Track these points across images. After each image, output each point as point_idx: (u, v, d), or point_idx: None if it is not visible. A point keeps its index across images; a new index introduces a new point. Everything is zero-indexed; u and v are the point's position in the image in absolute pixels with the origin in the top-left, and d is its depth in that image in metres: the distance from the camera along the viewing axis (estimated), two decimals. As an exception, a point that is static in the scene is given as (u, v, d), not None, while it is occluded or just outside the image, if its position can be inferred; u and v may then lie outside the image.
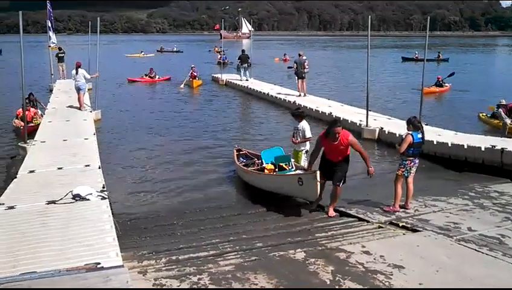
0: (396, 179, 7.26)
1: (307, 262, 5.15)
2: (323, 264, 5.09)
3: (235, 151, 10.15)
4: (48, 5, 24.06)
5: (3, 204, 6.43)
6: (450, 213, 6.99)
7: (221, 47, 35.71)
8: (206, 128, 15.07)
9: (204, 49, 67.25)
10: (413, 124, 7.20)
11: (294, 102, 18.32)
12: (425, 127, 8.61)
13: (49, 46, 24.95)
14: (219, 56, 35.65)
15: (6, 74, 29.65)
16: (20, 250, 4.91)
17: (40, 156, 9.43)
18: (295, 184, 7.22)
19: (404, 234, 6.23)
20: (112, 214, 6.12)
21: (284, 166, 8.61)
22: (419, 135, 7.13)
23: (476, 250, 5.45)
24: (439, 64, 40.19)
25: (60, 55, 25.86)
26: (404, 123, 7.69)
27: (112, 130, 14.83)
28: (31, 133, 11.90)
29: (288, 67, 29.37)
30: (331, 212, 7.31)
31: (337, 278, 4.76)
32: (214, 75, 28.43)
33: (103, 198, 6.59)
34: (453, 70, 25.69)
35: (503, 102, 14.58)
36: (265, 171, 8.64)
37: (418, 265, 5.03)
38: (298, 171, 8.06)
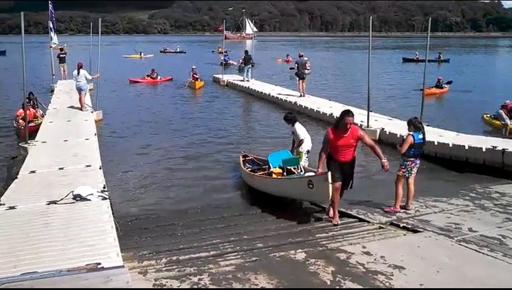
0: (397, 179, 7.25)
1: (307, 262, 5.15)
2: (323, 264, 5.08)
3: (241, 157, 9.82)
4: (50, 5, 24.10)
5: (4, 204, 6.44)
6: (451, 214, 6.98)
7: (224, 48, 35.74)
8: (207, 130, 15.06)
9: (207, 50, 67.38)
10: (414, 125, 7.20)
11: (295, 102, 18.35)
12: (427, 128, 8.62)
13: (51, 47, 24.99)
14: (221, 57, 35.70)
15: (10, 75, 29.71)
16: (21, 250, 4.92)
17: (41, 157, 9.45)
18: (305, 187, 6.78)
19: (404, 234, 6.22)
20: (113, 214, 6.13)
21: (293, 169, 8.32)
22: (420, 136, 7.12)
23: (476, 251, 5.44)
24: (440, 65, 40.17)
25: (61, 55, 25.91)
26: (405, 124, 7.69)
27: (113, 130, 14.85)
28: (32, 133, 11.91)
29: (291, 68, 29.50)
30: (337, 219, 6.90)
31: (338, 278, 4.76)
32: (215, 76, 28.45)
33: (104, 198, 6.60)
34: (453, 71, 25.81)
35: (508, 102, 14.47)
36: (273, 175, 8.30)
37: (419, 266, 5.03)
38: (308, 174, 7.52)
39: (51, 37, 24.64)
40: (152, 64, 34.82)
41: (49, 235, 5.31)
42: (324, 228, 6.75)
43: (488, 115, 15.18)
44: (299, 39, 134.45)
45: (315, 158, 8.94)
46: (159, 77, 28.49)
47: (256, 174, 8.64)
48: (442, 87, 22.62)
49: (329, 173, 6.43)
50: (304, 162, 8.63)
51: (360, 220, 6.98)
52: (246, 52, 26.64)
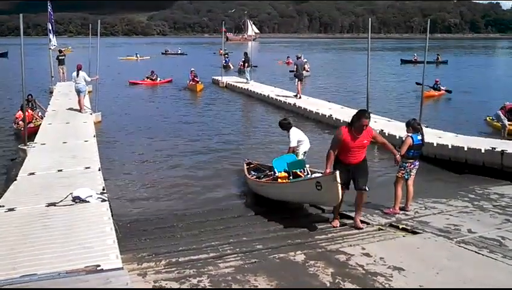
0: (397, 181, 7.26)
1: (307, 264, 5.15)
2: (323, 266, 5.08)
3: (245, 165, 9.58)
4: (49, 7, 24.10)
5: (4, 206, 6.43)
6: (450, 215, 6.99)
7: (225, 49, 35.69)
8: (206, 131, 15.06)
9: (207, 52, 67.50)
10: (413, 126, 7.21)
11: (294, 104, 18.37)
12: (426, 129, 8.64)
13: (50, 49, 25.00)
14: (222, 60, 35.61)
15: (10, 76, 29.71)
16: (20, 252, 4.91)
17: (40, 158, 9.43)
18: (313, 189, 6.39)
19: (404, 236, 6.22)
20: (112, 216, 6.12)
21: (299, 173, 8.09)
22: (419, 137, 7.13)
23: (476, 252, 5.44)
24: (438, 67, 40.23)
25: (60, 57, 25.92)
26: (403, 125, 7.70)
27: (112, 132, 14.84)
28: (31, 134, 11.91)
29: (291, 71, 29.63)
30: (359, 224, 6.66)
31: (337, 280, 4.76)
32: (214, 78, 28.45)
33: (103, 200, 6.59)
34: (451, 72, 25.81)
35: (507, 104, 14.47)
36: (279, 180, 8.04)
37: (418, 267, 5.03)
38: (315, 175, 7.27)
39: (50, 39, 24.62)
40: (148, 66, 34.79)
41: (48, 237, 5.31)
42: (323, 229, 6.75)
43: (491, 117, 15.13)
44: (298, 41, 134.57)
45: (313, 158, 9.04)
46: (158, 79, 28.50)
47: (261, 180, 8.39)
48: (439, 89, 22.64)
49: (338, 172, 6.04)
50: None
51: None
52: (246, 54, 26.71)
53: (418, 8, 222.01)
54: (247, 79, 25.48)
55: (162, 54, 64.61)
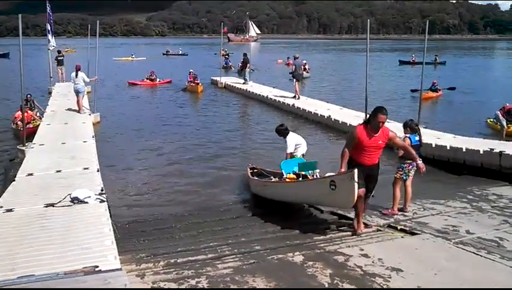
0: (395, 182, 7.26)
1: (305, 265, 5.15)
2: (321, 267, 5.08)
3: (248, 169, 9.31)
4: (48, 7, 24.08)
5: (2, 207, 6.42)
6: (449, 216, 6.99)
7: (226, 50, 35.62)
8: (205, 133, 15.06)
9: (207, 52, 67.45)
10: (411, 127, 7.22)
11: (293, 105, 18.39)
12: (425, 131, 8.64)
13: (49, 49, 24.99)
14: (223, 60, 35.51)
15: (10, 77, 29.69)
16: (18, 253, 4.91)
17: (38, 159, 9.42)
18: (326, 189, 5.93)
19: (402, 237, 6.22)
20: (111, 217, 6.11)
21: (309, 176, 7.57)
22: (417, 138, 7.15)
23: (474, 253, 5.45)
24: (436, 68, 40.27)
25: (59, 58, 25.92)
26: (402, 126, 7.70)
27: (111, 133, 14.84)
28: (30, 135, 11.90)
29: (291, 73, 29.68)
30: (361, 228, 6.42)
31: (336, 281, 4.76)
32: (213, 78, 28.45)
33: (102, 201, 6.58)
34: (450, 73, 25.79)
35: (507, 105, 14.44)
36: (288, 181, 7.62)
37: (417, 268, 5.03)
38: (329, 174, 6.65)
39: (49, 40, 24.61)
40: (144, 67, 34.73)
41: (46, 238, 5.30)
42: (322, 230, 6.75)
43: (492, 120, 15.07)
44: (297, 41, 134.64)
45: (312, 159, 9.02)
46: (157, 80, 28.47)
47: (269, 180, 8.00)
48: (437, 91, 22.65)
49: (356, 171, 5.60)
50: None
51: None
52: (245, 54, 26.73)
53: (417, 9, 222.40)
54: (245, 80, 25.46)
55: (163, 54, 64.59)
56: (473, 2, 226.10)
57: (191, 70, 26.41)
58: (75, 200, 6.50)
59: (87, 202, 6.49)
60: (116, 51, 68.96)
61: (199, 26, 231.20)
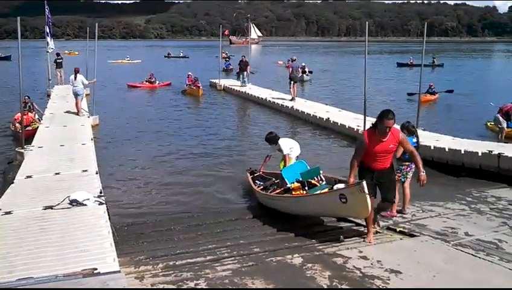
0: (393, 184, 7.26)
1: (304, 267, 5.15)
2: (320, 269, 5.08)
3: (248, 174, 9.05)
4: (47, 10, 24.07)
5: (0, 209, 6.41)
6: (447, 218, 7.00)
7: (227, 53, 35.53)
8: (204, 135, 15.04)
9: (207, 55, 67.47)
10: (408, 129, 7.24)
11: (291, 107, 18.40)
12: (423, 133, 8.65)
13: (47, 52, 24.99)
14: (223, 63, 35.26)
15: (9, 79, 29.66)
16: (17, 255, 4.90)
17: (37, 162, 9.41)
18: (337, 203, 5.87)
19: (401, 239, 6.23)
20: (109, 219, 6.11)
21: (314, 182, 7.44)
22: (414, 140, 7.16)
23: (473, 255, 5.46)
24: (434, 70, 40.32)
25: (58, 60, 25.92)
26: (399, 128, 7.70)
27: (110, 135, 14.84)
28: (29, 137, 11.89)
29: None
30: (370, 238, 6.06)
31: (334, 283, 4.76)
32: (212, 80, 28.44)
33: (100, 203, 6.58)
34: (447, 75, 25.78)
35: (508, 106, 14.40)
36: (293, 193, 7.37)
37: (415, 270, 5.03)
38: (338, 186, 6.62)
39: (48, 42, 24.61)
40: (139, 69, 34.67)
41: (45, 241, 5.29)
42: (321, 232, 6.75)
43: (491, 123, 15.01)
44: (296, 44, 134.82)
45: (312, 161, 9.03)
46: (157, 82, 28.42)
47: (275, 194, 7.69)
48: (434, 93, 22.67)
49: (364, 182, 5.52)
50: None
51: (357, 224, 6.98)
52: (243, 56, 26.72)
53: (416, 12, 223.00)
54: (244, 82, 25.43)
55: (165, 56, 64.61)
56: (470, 2, 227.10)
57: (190, 74, 26.27)
58: (74, 203, 6.49)
59: (85, 205, 6.48)
60: (113, 54, 68.88)
61: (198, 29, 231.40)
